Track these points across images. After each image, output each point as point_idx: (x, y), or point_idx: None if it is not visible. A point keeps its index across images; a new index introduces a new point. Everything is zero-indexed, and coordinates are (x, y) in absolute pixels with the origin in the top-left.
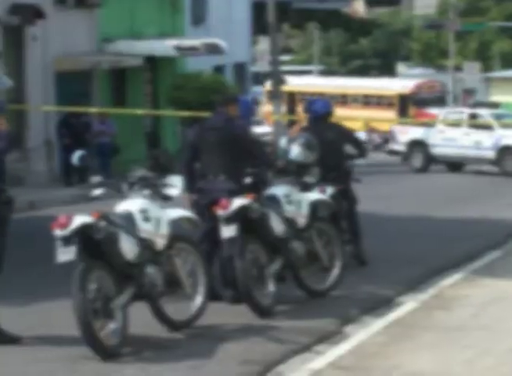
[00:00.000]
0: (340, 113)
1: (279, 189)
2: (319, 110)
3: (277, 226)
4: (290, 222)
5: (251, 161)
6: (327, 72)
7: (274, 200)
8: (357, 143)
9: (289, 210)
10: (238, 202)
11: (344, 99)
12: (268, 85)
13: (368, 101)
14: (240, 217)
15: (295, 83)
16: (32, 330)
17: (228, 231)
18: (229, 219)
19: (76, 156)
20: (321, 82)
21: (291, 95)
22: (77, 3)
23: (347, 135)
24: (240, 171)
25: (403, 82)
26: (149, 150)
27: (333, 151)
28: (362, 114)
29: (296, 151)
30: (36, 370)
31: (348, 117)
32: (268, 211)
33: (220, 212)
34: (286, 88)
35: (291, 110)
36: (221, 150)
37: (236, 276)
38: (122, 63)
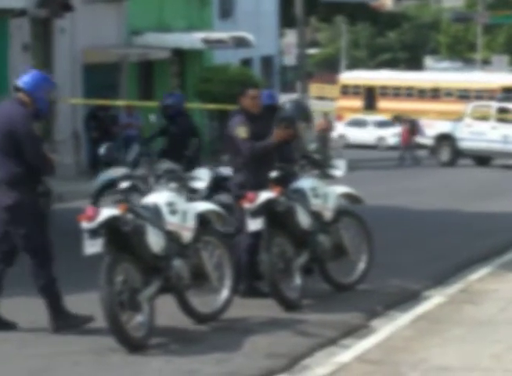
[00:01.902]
0: (432, 107)
1: (305, 183)
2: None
3: (303, 220)
4: (316, 216)
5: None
6: (354, 65)
7: (300, 194)
8: None
9: (315, 203)
10: (264, 195)
11: (436, 94)
12: (343, 79)
13: (465, 95)
14: (267, 210)
15: (373, 77)
16: None
17: (254, 224)
18: (256, 213)
19: (103, 148)
20: (406, 76)
21: (370, 89)
22: None
23: None
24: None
25: (502, 75)
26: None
27: None
28: (460, 109)
29: (287, 106)
30: (62, 362)
31: (444, 111)
32: (295, 205)
33: (247, 205)
34: (362, 82)
35: (370, 106)
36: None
37: (263, 270)
38: (150, 56)
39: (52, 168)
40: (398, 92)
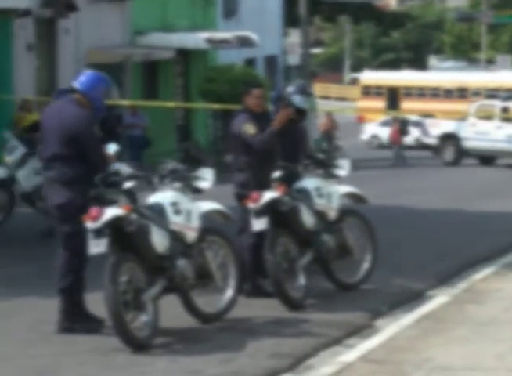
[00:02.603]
0: (459, 107)
1: (309, 182)
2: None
3: (307, 219)
4: (320, 215)
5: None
6: (358, 65)
7: (304, 193)
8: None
9: (319, 203)
10: (269, 195)
11: (463, 93)
12: (364, 79)
13: (493, 94)
14: (271, 210)
15: (396, 77)
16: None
17: (258, 224)
18: (260, 212)
19: (107, 148)
20: (431, 77)
21: (392, 90)
22: None
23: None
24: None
25: None
26: (181, 142)
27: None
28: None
29: (298, 99)
30: (67, 362)
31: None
32: (299, 204)
33: (251, 205)
34: (385, 82)
35: (393, 106)
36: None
37: (267, 269)
38: (154, 56)
39: (107, 165)
40: (422, 93)
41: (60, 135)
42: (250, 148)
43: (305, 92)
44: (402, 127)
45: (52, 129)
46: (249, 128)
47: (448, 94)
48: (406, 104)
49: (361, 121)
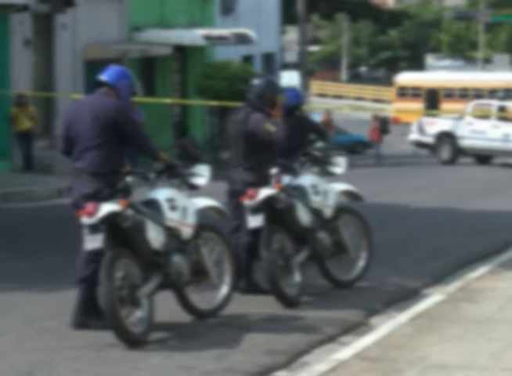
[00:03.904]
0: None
1: (305, 180)
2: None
3: (303, 217)
4: (316, 213)
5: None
6: (355, 63)
7: (301, 191)
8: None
9: (316, 200)
10: (265, 192)
11: (510, 94)
12: (400, 81)
13: None
14: (267, 207)
15: (434, 78)
16: (59, 317)
17: (254, 221)
18: (256, 209)
19: None
20: (474, 77)
21: (432, 91)
22: None
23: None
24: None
25: None
26: (177, 139)
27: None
28: None
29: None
30: (61, 357)
31: None
32: (295, 202)
33: (247, 202)
34: (423, 84)
35: (433, 108)
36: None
37: (263, 266)
38: (151, 52)
39: (157, 151)
40: (465, 93)
41: (94, 126)
42: (267, 146)
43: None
44: (383, 125)
45: (84, 123)
46: (270, 127)
47: (492, 95)
48: (447, 105)
49: (396, 122)
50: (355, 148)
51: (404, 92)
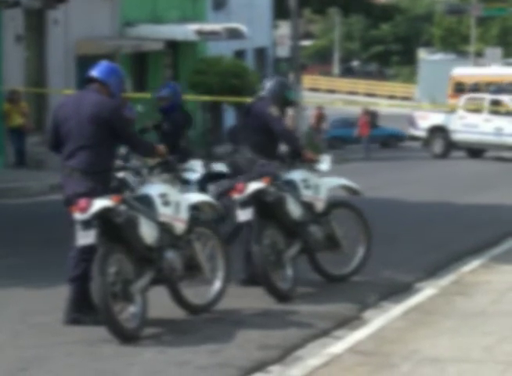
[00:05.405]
0: None
1: (296, 174)
2: None
3: (294, 210)
4: (307, 207)
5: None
6: (347, 58)
7: (291, 185)
8: None
9: (306, 194)
10: (253, 186)
11: (502, 88)
12: (456, 76)
13: None
14: (256, 201)
15: (495, 73)
16: (52, 313)
17: (243, 215)
18: (245, 203)
19: None
20: None
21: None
22: None
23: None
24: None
25: None
26: None
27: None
28: None
29: (292, 94)
30: (54, 353)
31: None
32: (285, 195)
33: (235, 196)
34: (483, 78)
35: (497, 104)
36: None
37: (254, 261)
38: (143, 48)
39: (151, 147)
40: None
41: (88, 125)
42: (272, 135)
43: (291, 86)
44: (372, 119)
45: (76, 122)
46: (275, 111)
47: None
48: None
49: None
50: (388, 141)
51: (461, 88)
